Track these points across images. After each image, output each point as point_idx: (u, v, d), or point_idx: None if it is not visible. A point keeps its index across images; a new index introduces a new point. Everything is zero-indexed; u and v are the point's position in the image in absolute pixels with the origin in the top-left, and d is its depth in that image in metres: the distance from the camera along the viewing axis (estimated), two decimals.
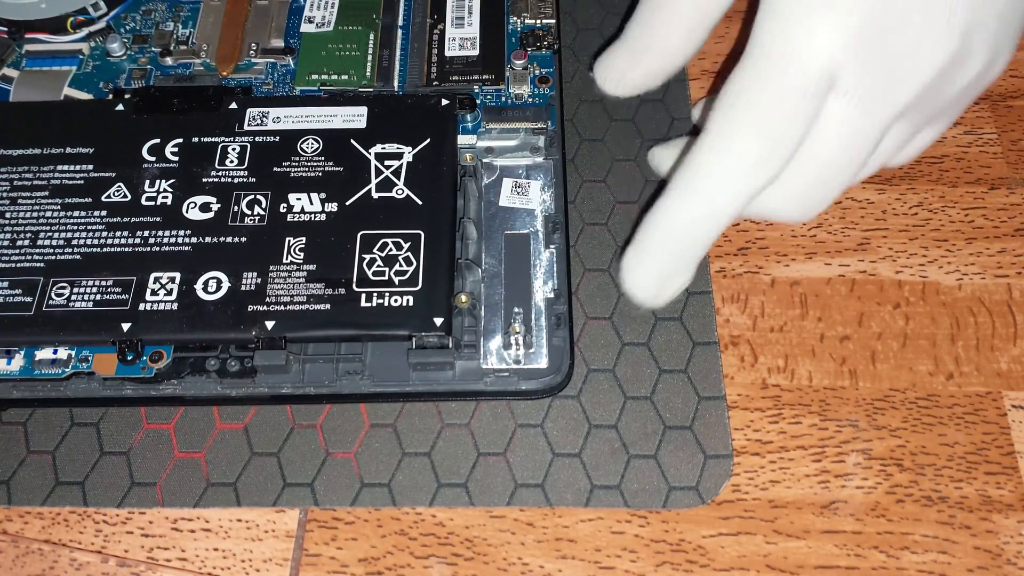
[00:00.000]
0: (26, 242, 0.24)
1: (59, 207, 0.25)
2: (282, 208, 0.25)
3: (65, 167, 0.26)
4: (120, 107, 0.27)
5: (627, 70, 0.24)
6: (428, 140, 0.26)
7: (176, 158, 0.26)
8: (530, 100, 0.28)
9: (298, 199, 0.25)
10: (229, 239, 0.25)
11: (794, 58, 0.20)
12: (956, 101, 0.22)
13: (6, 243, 0.24)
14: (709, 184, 0.21)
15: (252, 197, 0.25)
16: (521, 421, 0.24)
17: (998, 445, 0.24)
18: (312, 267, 0.24)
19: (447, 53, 0.29)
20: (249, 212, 0.25)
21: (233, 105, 0.27)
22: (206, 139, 0.26)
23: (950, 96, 0.22)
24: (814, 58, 0.19)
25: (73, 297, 0.24)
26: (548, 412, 0.24)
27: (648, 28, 0.23)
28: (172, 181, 0.26)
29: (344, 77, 0.28)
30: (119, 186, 0.25)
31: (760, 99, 0.20)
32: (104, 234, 0.25)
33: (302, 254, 0.24)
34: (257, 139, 0.26)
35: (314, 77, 0.28)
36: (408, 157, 0.26)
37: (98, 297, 0.24)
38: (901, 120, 0.22)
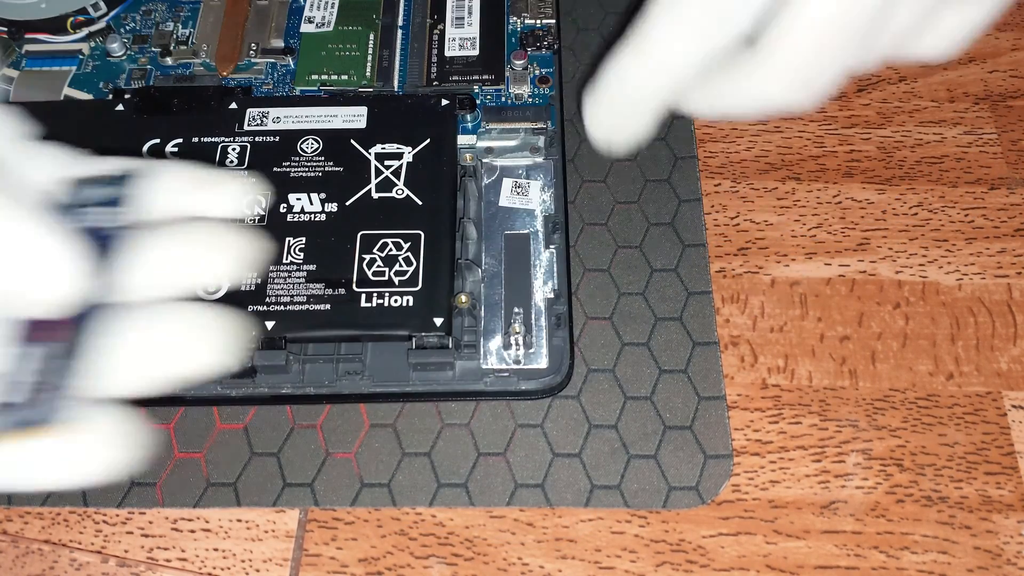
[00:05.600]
0: None
1: None
2: (282, 208, 0.25)
3: None
4: (120, 107, 0.27)
5: None
6: (428, 140, 0.26)
7: (176, 158, 0.26)
8: (530, 100, 0.28)
9: (298, 199, 0.25)
10: None
11: None
12: None
13: None
14: (659, 45, 0.20)
15: (252, 197, 0.25)
16: (521, 421, 0.24)
17: (998, 445, 0.24)
18: (312, 267, 0.24)
19: (447, 53, 0.29)
20: (249, 212, 0.25)
21: (233, 105, 0.27)
22: (206, 139, 0.26)
23: None
24: None
25: None
26: (548, 412, 0.24)
27: None
28: None
29: (344, 77, 0.28)
30: None
31: None
32: None
33: (302, 254, 0.24)
34: (257, 139, 0.26)
35: (314, 77, 0.28)
36: (408, 157, 0.26)
37: None
38: None
